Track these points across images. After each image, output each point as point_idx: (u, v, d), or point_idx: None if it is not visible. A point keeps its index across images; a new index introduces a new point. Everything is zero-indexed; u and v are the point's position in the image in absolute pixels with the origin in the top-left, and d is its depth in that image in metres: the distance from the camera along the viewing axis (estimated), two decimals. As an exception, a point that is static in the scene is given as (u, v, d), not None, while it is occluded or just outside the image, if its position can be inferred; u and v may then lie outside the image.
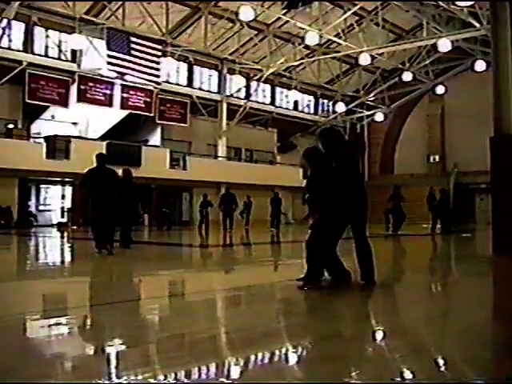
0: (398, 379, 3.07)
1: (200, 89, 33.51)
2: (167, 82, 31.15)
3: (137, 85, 29.09)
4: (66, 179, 27.16)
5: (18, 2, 23.71)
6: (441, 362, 3.47)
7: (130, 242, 12.37)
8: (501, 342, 4.03)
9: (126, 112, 29.27)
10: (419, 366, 3.30)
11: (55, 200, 28.87)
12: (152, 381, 2.98)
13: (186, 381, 3.07)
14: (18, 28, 25.76)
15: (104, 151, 26.25)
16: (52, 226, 26.70)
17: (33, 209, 28.00)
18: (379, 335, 4.29)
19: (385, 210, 28.36)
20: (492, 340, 4.16)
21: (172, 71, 31.72)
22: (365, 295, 6.13)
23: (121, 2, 26.29)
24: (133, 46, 27.47)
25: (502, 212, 10.58)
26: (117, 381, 2.98)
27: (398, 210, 19.70)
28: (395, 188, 20.32)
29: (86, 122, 30.15)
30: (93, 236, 11.20)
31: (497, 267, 9.44)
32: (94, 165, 11.56)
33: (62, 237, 20.02)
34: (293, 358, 3.54)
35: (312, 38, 27.78)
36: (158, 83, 29.55)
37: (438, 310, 5.49)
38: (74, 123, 30.26)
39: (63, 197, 28.80)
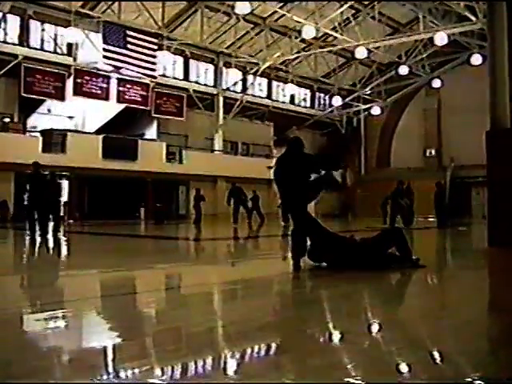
0: (397, 375, 3.08)
1: (196, 82, 33.49)
2: (163, 75, 31.11)
3: (133, 78, 29.05)
4: (63, 173, 27.10)
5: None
6: (437, 354, 3.48)
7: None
8: (498, 334, 4.05)
9: (122, 106, 29.25)
10: (416, 359, 3.31)
11: (51, 194, 28.79)
12: (149, 373, 2.99)
13: (182, 374, 3.08)
14: (14, 21, 25.67)
15: (100, 145, 26.50)
16: (48, 219, 26.64)
17: (29, 203, 27.91)
18: (375, 328, 4.31)
19: (381, 203, 28.49)
20: (489, 332, 4.18)
21: (168, 65, 31.67)
22: (361, 287, 6.15)
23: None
24: (129, 39, 27.42)
25: (497, 206, 10.61)
26: (115, 373, 2.99)
27: (409, 206, 19.65)
28: (407, 184, 20.30)
29: (83, 116, 30.12)
30: (28, 226, 14.62)
31: (492, 260, 9.47)
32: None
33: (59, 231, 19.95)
34: (289, 351, 3.55)
35: (308, 32, 27.75)
36: (154, 77, 29.53)
37: (435, 302, 5.51)
38: (71, 117, 30.23)
39: (59, 191, 28.74)
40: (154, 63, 28.83)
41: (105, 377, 2.94)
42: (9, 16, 24.97)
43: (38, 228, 14.44)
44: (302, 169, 7.11)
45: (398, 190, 19.85)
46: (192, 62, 33.35)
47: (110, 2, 26.38)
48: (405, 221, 19.30)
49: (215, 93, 34.07)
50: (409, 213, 19.75)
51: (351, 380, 2.92)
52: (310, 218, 7.35)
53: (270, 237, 16.90)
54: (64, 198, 28.13)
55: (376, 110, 40.18)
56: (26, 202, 15.06)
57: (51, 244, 13.20)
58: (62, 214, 26.30)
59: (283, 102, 38.75)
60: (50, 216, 15.83)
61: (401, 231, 7.86)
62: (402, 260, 7.43)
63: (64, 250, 12.62)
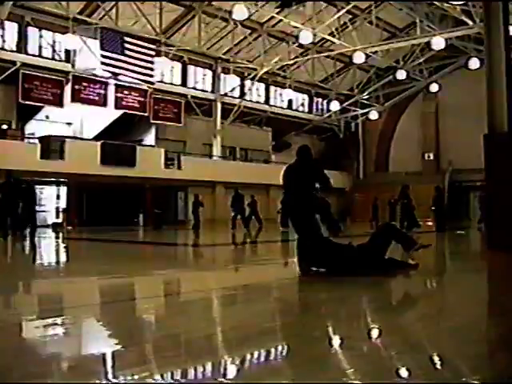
0: (397, 379, 3.08)
1: (194, 88, 33.50)
2: (161, 81, 31.13)
3: (131, 84, 29.05)
4: (61, 179, 27.12)
5: (11, 2, 23.65)
6: (436, 358, 3.48)
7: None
8: (496, 337, 4.05)
9: (120, 112, 29.24)
10: (415, 363, 3.31)
11: (50, 200, 28.82)
12: (148, 380, 2.98)
13: (182, 380, 3.08)
14: (12, 28, 25.68)
15: (98, 151, 26.48)
16: (47, 226, 26.65)
17: (27, 209, 27.88)
18: (374, 332, 4.31)
19: (372, 206, 29.36)
20: (487, 335, 4.18)
21: (166, 71, 31.70)
22: (360, 292, 6.15)
23: (114, 2, 26.25)
24: (126, 45, 27.44)
25: (495, 209, 10.62)
26: (114, 380, 2.98)
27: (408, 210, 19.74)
28: (404, 187, 20.31)
29: (81, 122, 30.11)
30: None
31: (491, 264, 9.47)
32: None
33: (57, 237, 19.97)
34: (288, 357, 3.55)
35: (306, 37, 27.78)
36: (152, 83, 29.53)
37: (433, 306, 5.51)
38: (69, 123, 30.22)
39: (58, 197, 28.75)
40: (151, 69, 28.84)
41: (104, 383, 2.93)
42: (6, 23, 24.95)
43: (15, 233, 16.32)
44: (309, 177, 7.24)
45: (405, 194, 19.94)
46: (190, 68, 33.39)
47: (107, 9, 26.40)
48: (406, 224, 19.39)
49: (213, 98, 34.08)
50: (408, 217, 19.80)
51: (351, 382, 2.92)
52: (316, 226, 7.37)
53: (268, 242, 16.89)
54: (62, 204, 28.27)
55: (374, 115, 40.20)
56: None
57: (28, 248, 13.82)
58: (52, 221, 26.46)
59: (281, 108, 38.75)
60: (26, 223, 17.43)
61: (392, 225, 8.00)
62: (400, 264, 7.46)
63: (40, 255, 12.62)
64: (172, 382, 3.02)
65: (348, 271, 6.98)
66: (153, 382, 2.97)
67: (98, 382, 2.94)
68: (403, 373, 3.15)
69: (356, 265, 7.06)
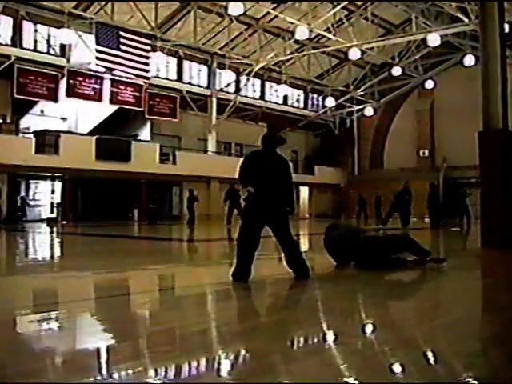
0: (390, 376, 3.09)
1: (190, 83, 33.47)
2: (157, 76, 31.09)
3: (126, 79, 28.98)
4: (56, 174, 27.08)
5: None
6: (430, 354, 3.50)
7: None
8: (490, 334, 4.07)
9: (115, 107, 29.18)
10: (408, 359, 3.32)
11: (45, 195, 28.80)
12: (142, 375, 2.99)
13: (176, 375, 3.08)
14: (6, 22, 25.58)
15: (94, 146, 26.43)
16: (41, 221, 26.63)
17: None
18: (368, 328, 4.32)
19: (358, 203, 29.87)
20: (481, 332, 4.19)
21: (161, 66, 31.66)
22: (355, 288, 6.16)
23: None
24: (122, 40, 27.36)
25: (490, 206, 10.65)
26: (108, 376, 2.99)
27: (406, 206, 19.86)
28: (406, 183, 20.53)
29: (76, 117, 30.06)
30: None
31: (484, 261, 9.50)
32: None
33: (52, 232, 19.94)
34: (282, 352, 3.56)
35: (302, 33, 27.76)
36: (148, 78, 29.47)
37: (427, 302, 5.53)
38: (64, 118, 30.17)
39: (53, 192, 28.73)
40: (147, 64, 28.79)
41: (98, 378, 2.93)
42: (1, 17, 24.89)
43: None
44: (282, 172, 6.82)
45: (407, 190, 20.10)
46: (185, 63, 33.34)
47: (103, 3, 26.32)
48: (402, 221, 19.50)
49: (208, 94, 34.06)
50: (406, 213, 19.89)
51: (347, 380, 2.93)
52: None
53: (263, 238, 16.85)
54: (57, 198, 28.24)
55: (369, 111, 40.25)
56: None
57: None
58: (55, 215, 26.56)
59: (276, 103, 38.77)
60: None
61: (408, 237, 8.08)
62: (410, 261, 7.60)
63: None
64: (166, 376, 3.03)
65: (354, 261, 7.19)
66: (147, 376, 2.97)
67: (92, 377, 2.94)
68: (397, 369, 3.16)
69: (364, 256, 7.24)
